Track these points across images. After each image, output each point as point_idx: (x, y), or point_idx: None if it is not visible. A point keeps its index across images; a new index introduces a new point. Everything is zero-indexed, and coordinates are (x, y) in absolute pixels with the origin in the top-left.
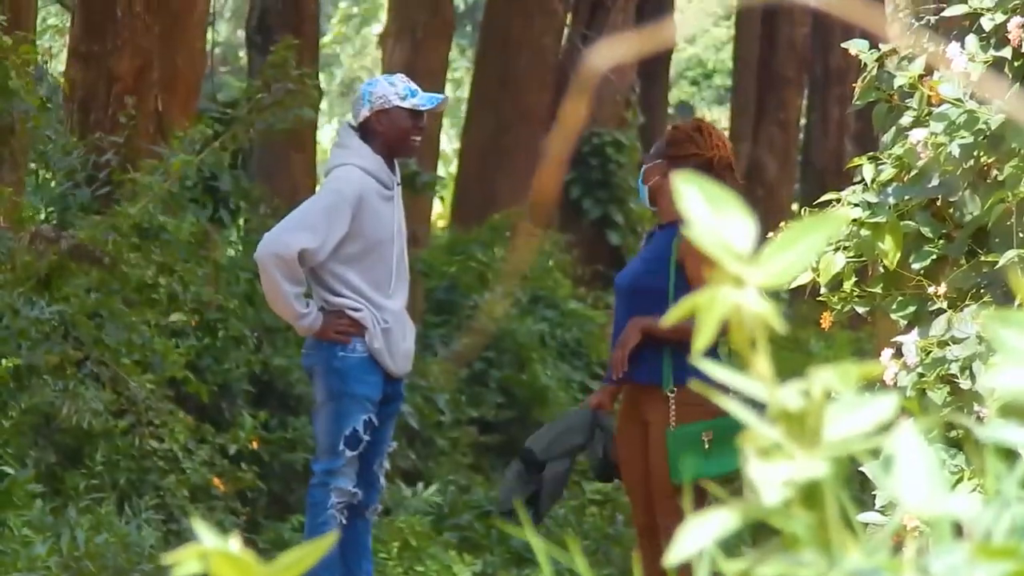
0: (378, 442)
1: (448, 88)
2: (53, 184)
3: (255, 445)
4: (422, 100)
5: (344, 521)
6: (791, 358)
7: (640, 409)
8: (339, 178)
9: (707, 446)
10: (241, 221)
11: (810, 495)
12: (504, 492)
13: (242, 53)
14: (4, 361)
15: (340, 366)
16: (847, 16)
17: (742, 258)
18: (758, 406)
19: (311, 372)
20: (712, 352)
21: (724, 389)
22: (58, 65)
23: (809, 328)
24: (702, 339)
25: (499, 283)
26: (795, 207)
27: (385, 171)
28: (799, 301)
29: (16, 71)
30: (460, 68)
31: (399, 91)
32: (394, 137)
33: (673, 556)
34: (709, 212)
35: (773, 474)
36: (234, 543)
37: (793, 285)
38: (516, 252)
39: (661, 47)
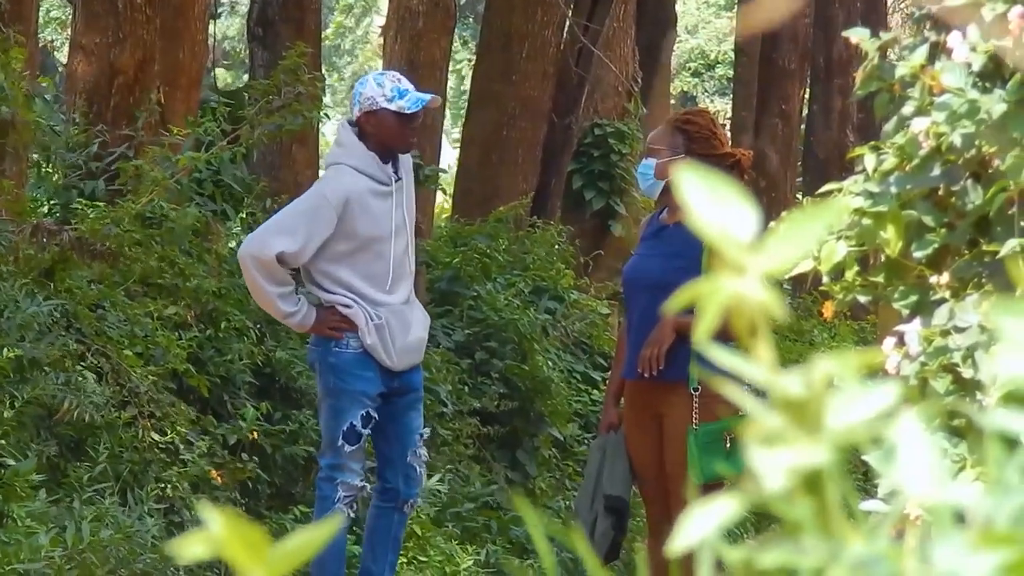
0: (403, 434)
1: (453, 80)
2: (55, 177)
3: (254, 436)
4: (408, 102)
5: (352, 515)
6: (794, 348)
7: (654, 404)
8: (326, 179)
9: (728, 445)
10: (244, 214)
11: (812, 483)
12: (599, 547)
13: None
14: (5, 352)
15: (335, 362)
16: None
17: (744, 246)
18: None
19: (313, 367)
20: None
21: (741, 385)
22: (61, 58)
23: (812, 319)
24: (704, 327)
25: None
26: (798, 198)
27: (379, 168)
28: (801, 292)
29: (4, 70)
30: (463, 60)
31: (386, 92)
32: (385, 137)
33: (676, 545)
34: (711, 202)
35: (775, 461)
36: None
37: (794, 273)
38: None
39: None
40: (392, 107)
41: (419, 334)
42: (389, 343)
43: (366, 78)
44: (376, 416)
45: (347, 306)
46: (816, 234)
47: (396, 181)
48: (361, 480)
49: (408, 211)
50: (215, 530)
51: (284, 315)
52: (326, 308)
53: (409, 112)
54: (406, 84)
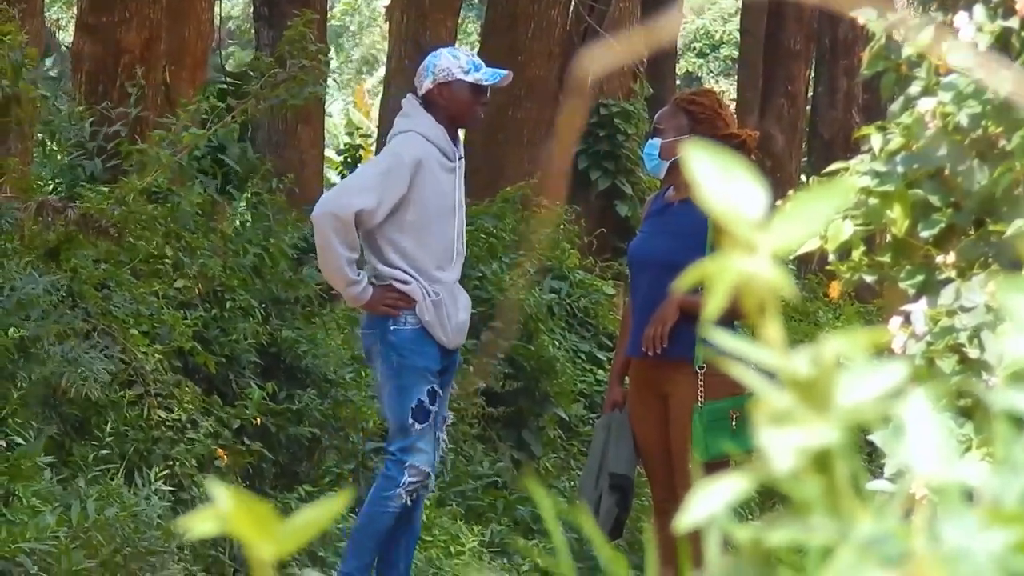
0: None
1: None
2: (60, 156)
3: (258, 422)
4: (485, 75)
5: (410, 503)
6: (799, 328)
7: (659, 383)
8: (399, 142)
9: (734, 423)
10: (249, 193)
11: (821, 462)
12: (604, 525)
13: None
14: (10, 331)
15: (395, 340)
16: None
17: (753, 224)
18: (776, 379)
19: (369, 352)
20: (730, 327)
21: (747, 364)
22: (67, 37)
23: (817, 300)
24: (713, 306)
25: (516, 263)
26: (803, 178)
27: (447, 141)
28: (807, 272)
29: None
30: (473, 41)
31: (462, 64)
32: (456, 110)
33: (684, 522)
34: (720, 180)
35: (784, 441)
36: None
37: (800, 252)
38: (533, 227)
39: (658, 46)
40: (469, 79)
41: (465, 316)
42: (446, 320)
43: (440, 51)
44: (441, 392)
45: (405, 282)
46: (823, 213)
47: (459, 159)
48: (430, 467)
49: (462, 192)
50: (223, 506)
51: (348, 282)
52: (382, 286)
53: (485, 84)
54: (479, 60)
